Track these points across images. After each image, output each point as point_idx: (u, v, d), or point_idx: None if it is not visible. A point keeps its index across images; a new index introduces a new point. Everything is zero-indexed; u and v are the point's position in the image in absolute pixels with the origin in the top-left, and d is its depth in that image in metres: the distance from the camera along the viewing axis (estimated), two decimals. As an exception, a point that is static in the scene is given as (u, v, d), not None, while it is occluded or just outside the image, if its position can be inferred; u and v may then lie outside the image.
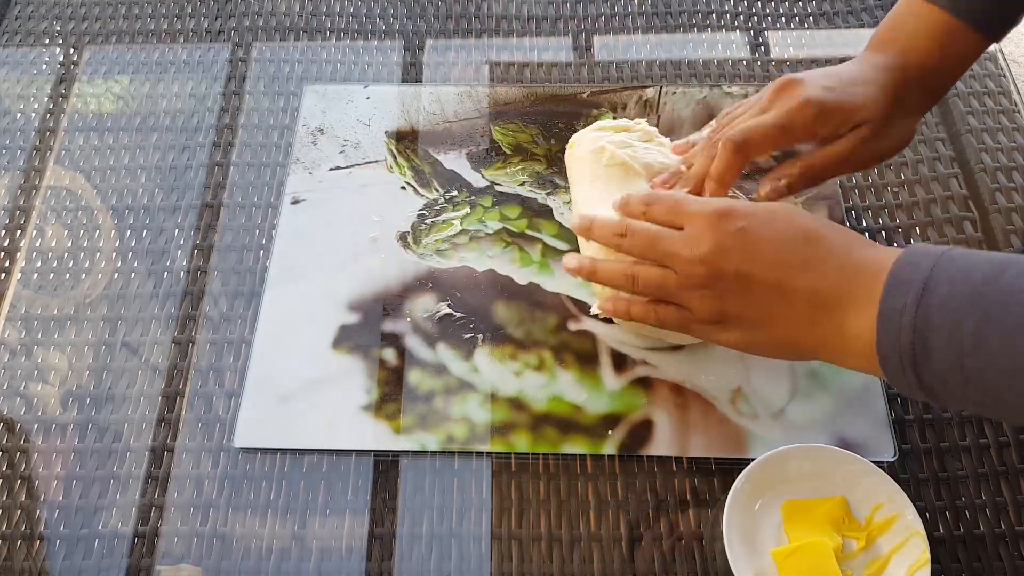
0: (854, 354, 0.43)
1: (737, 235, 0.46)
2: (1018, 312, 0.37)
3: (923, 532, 0.47)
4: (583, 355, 0.58)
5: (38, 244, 0.66)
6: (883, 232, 0.64)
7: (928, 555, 0.47)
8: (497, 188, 0.67)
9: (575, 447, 0.55)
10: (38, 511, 0.55)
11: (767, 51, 0.75)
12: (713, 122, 0.61)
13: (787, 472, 0.50)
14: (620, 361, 0.58)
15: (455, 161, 0.68)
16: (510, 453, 0.55)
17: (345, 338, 0.59)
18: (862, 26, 0.76)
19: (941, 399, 0.41)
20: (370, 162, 0.68)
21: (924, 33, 0.53)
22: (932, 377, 0.39)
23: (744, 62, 0.74)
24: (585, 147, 0.61)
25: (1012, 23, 0.54)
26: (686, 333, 0.52)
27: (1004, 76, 0.73)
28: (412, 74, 0.74)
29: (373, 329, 0.60)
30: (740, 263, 0.46)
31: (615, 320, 0.58)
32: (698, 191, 0.55)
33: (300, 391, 0.57)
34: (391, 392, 0.57)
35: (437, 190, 0.66)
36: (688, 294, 0.48)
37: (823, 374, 0.57)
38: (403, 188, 0.67)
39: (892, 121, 0.53)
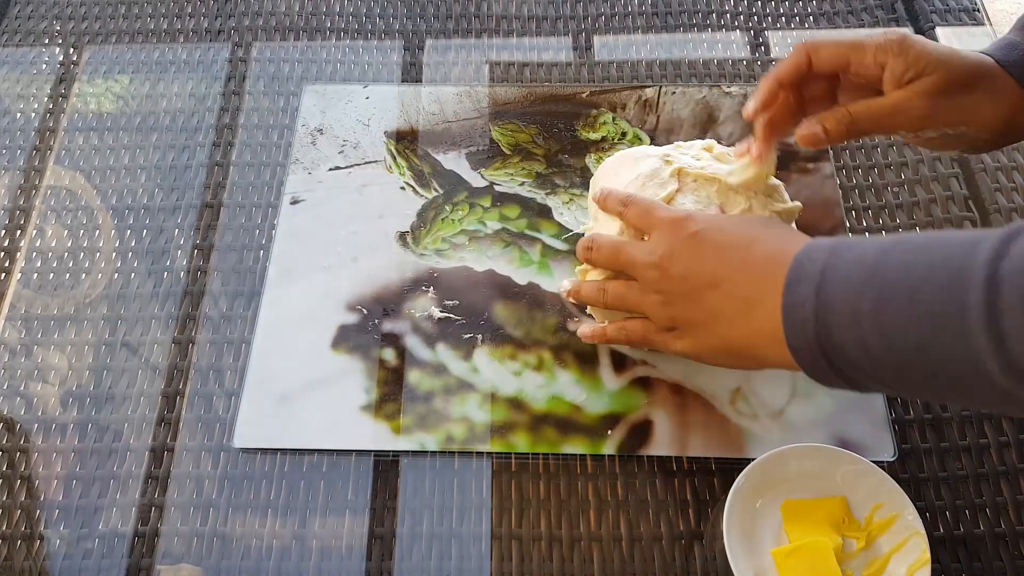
0: (779, 350, 0.43)
1: (688, 240, 0.48)
2: (908, 286, 0.37)
3: (923, 532, 0.47)
4: (582, 355, 0.58)
5: (38, 244, 0.66)
6: (883, 232, 0.64)
7: (928, 555, 0.47)
8: (496, 188, 0.67)
9: (575, 447, 0.55)
10: (38, 511, 0.55)
11: (767, 51, 0.75)
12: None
13: (787, 472, 0.50)
14: (620, 361, 0.58)
15: (454, 161, 0.68)
16: (510, 453, 0.55)
17: (344, 338, 0.59)
18: (862, 25, 0.76)
19: (860, 384, 0.41)
20: (369, 162, 0.68)
21: None
22: (843, 363, 0.40)
23: (744, 62, 0.74)
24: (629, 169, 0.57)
25: None
26: (648, 346, 0.53)
27: (1004, 76, 0.72)
28: (412, 74, 0.74)
29: (373, 329, 0.60)
30: (687, 265, 0.48)
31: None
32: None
33: (300, 391, 0.57)
34: (391, 392, 0.57)
35: (436, 190, 0.66)
36: (646, 301, 0.50)
37: (823, 374, 0.57)
38: (402, 188, 0.67)
39: (971, 91, 0.48)
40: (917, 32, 0.76)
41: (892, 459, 0.54)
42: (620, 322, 0.53)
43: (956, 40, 0.75)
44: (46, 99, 0.74)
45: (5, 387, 0.59)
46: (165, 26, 0.78)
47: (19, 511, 0.55)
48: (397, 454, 0.56)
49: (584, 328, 0.56)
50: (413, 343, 0.59)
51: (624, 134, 0.69)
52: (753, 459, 0.50)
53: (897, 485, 0.49)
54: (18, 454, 0.57)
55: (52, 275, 0.64)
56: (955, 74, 0.48)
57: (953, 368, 0.36)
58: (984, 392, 0.36)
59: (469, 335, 0.59)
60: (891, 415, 0.56)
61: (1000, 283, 0.34)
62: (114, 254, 0.65)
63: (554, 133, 0.70)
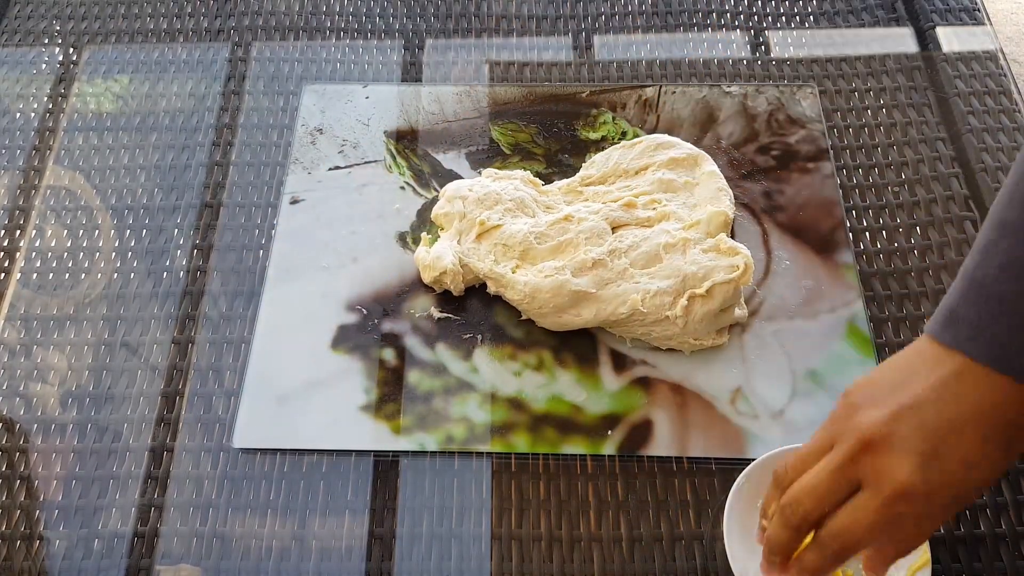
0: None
1: (882, 442, 0.40)
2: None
3: (923, 532, 0.47)
4: (582, 355, 0.58)
5: (38, 244, 0.66)
6: (883, 232, 0.64)
7: (929, 555, 0.47)
8: (497, 188, 0.66)
9: (575, 447, 0.55)
10: (38, 511, 0.55)
11: (767, 51, 0.75)
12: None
13: (787, 472, 0.50)
14: (619, 361, 0.58)
15: (454, 161, 0.68)
16: (510, 453, 0.55)
17: (344, 338, 0.59)
18: (862, 25, 0.76)
19: None
20: (369, 162, 0.68)
21: None
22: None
23: (744, 61, 0.74)
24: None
25: None
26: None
27: (1004, 76, 0.72)
28: (412, 73, 0.74)
29: (372, 329, 0.60)
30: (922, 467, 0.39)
31: None
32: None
33: (299, 391, 0.57)
34: (390, 392, 0.57)
35: (436, 190, 0.66)
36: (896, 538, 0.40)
37: (823, 374, 0.57)
38: (402, 188, 0.67)
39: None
40: (917, 32, 0.76)
41: (892, 459, 0.54)
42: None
43: (956, 40, 0.75)
44: (46, 99, 0.74)
45: (5, 387, 0.59)
46: (165, 26, 0.78)
47: (19, 511, 0.55)
48: (397, 454, 0.56)
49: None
50: (413, 343, 0.59)
51: (624, 134, 0.69)
52: (753, 459, 0.50)
53: (897, 485, 0.49)
54: (18, 454, 0.57)
55: (52, 275, 0.64)
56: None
57: None
58: None
59: (469, 335, 0.59)
60: (891, 415, 0.56)
61: None
62: (114, 254, 0.65)
63: (554, 133, 0.70)
